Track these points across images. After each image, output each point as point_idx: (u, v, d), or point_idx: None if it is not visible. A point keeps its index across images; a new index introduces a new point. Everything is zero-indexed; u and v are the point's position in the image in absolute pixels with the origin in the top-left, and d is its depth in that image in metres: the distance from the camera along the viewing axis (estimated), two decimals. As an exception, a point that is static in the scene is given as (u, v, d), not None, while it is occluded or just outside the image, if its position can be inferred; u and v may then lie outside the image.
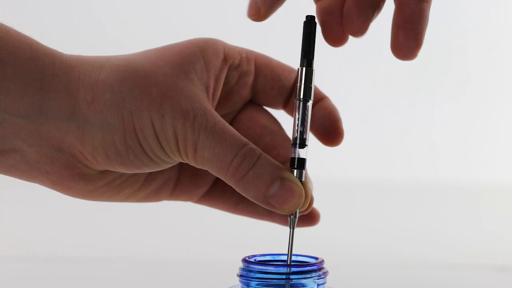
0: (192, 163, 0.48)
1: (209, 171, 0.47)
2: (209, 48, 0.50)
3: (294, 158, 0.48)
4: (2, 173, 0.48)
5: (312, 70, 0.49)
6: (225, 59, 0.51)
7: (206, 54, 0.50)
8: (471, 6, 1.78)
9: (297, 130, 0.49)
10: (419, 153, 1.72)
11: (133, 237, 1.02)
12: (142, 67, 0.47)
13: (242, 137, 0.47)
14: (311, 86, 0.49)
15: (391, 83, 1.72)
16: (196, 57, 0.49)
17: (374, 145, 1.70)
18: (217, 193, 0.55)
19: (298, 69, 0.49)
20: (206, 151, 0.46)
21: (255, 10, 0.47)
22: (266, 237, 0.81)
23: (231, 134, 0.47)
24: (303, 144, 0.49)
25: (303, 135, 0.49)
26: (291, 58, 0.57)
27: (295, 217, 0.49)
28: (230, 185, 0.47)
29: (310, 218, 0.53)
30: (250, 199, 0.47)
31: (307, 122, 0.49)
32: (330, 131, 0.53)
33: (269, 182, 0.47)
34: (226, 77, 0.52)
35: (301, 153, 0.49)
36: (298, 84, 0.49)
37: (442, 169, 1.70)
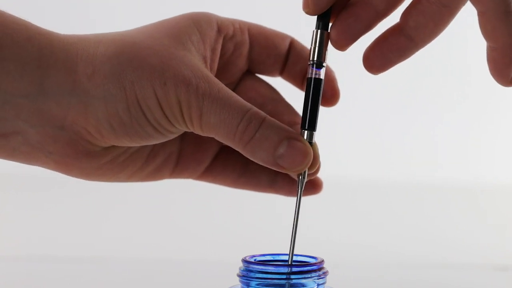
0: (198, 131, 0.48)
1: (215, 137, 0.48)
2: (202, 20, 0.51)
3: (306, 116, 0.49)
4: (5, 158, 0.49)
5: (326, 33, 0.49)
6: (219, 31, 0.51)
7: (201, 26, 0.50)
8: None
9: (315, 53, 0.49)
10: (419, 153, 1.72)
11: (133, 237, 1.02)
12: (140, 39, 0.48)
13: (246, 102, 0.48)
14: (325, 49, 0.49)
15: (392, 83, 1.72)
16: (191, 29, 0.50)
17: (374, 145, 1.70)
18: (219, 167, 0.56)
19: (313, 31, 0.49)
20: (212, 117, 0.47)
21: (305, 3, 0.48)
22: (266, 237, 0.81)
23: (235, 100, 0.47)
24: (320, 65, 0.49)
25: (320, 57, 0.49)
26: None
27: (304, 177, 0.49)
28: (237, 150, 0.48)
29: (313, 185, 0.54)
30: (258, 162, 0.48)
31: (325, 47, 0.49)
32: (325, 90, 0.53)
33: (276, 142, 0.47)
34: (222, 49, 0.52)
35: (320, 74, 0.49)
36: (312, 46, 0.49)
37: (442, 169, 1.70)
